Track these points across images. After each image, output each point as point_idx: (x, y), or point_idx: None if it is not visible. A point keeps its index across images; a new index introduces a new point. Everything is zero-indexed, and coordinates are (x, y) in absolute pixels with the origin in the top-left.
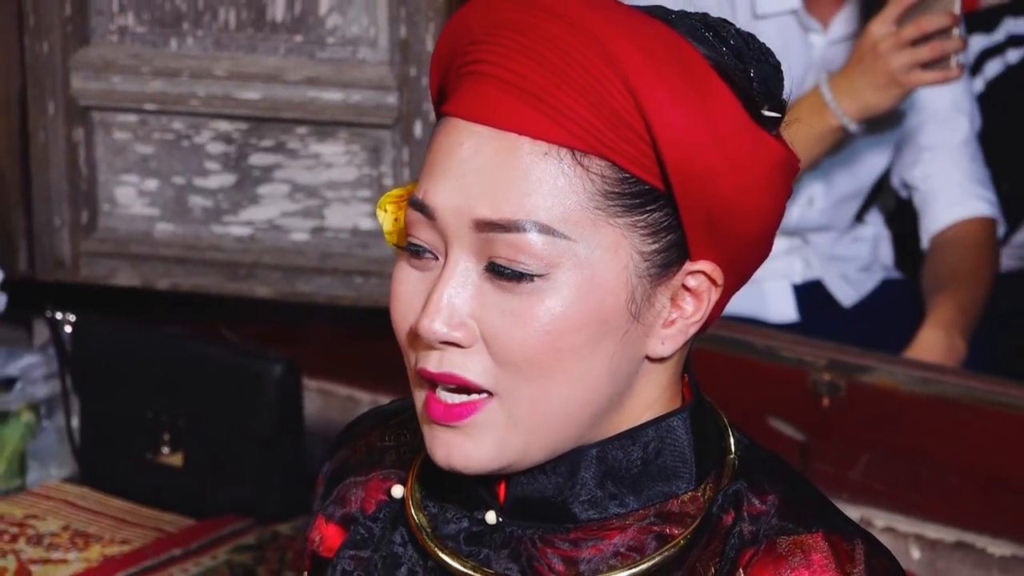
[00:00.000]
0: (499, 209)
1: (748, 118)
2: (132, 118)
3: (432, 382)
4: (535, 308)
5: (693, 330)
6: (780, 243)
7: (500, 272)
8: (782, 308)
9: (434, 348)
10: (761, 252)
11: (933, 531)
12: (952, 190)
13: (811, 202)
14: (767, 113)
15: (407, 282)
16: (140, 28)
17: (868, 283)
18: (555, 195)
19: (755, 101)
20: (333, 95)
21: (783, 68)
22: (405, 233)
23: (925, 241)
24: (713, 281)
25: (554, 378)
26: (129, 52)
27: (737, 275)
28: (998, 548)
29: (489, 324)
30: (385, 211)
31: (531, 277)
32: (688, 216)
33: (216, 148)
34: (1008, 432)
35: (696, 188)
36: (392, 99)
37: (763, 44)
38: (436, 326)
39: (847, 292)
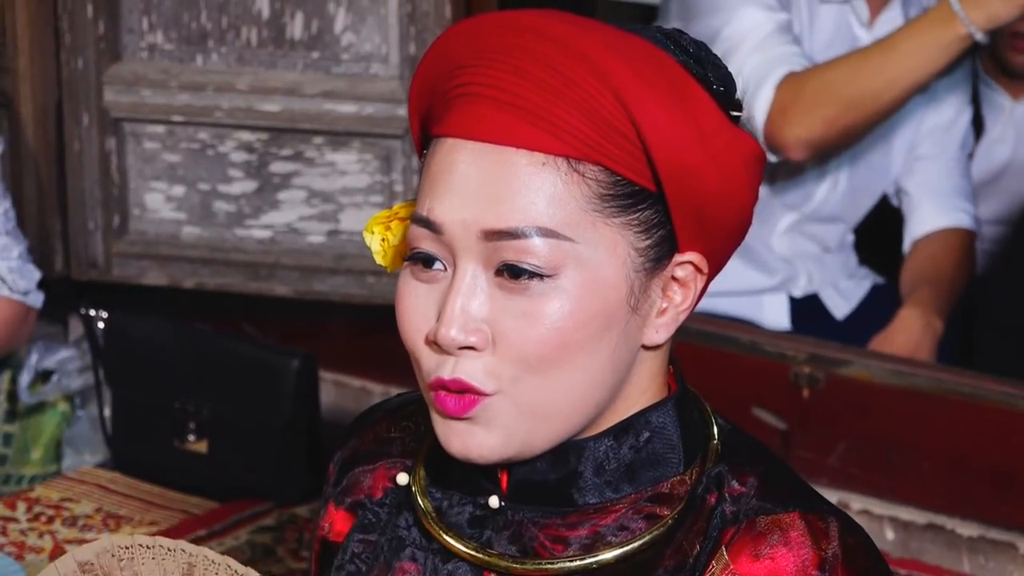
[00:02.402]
0: (505, 219)
1: (724, 116)
2: (161, 129)
3: (444, 387)
4: (545, 307)
5: (683, 317)
6: (788, 249)
7: (513, 273)
8: (777, 318)
9: (449, 354)
10: (738, 239)
11: (906, 513)
12: (939, 200)
13: (836, 184)
14: (732, 113)
15: (415, 295)
16: (168, 45)
17: (858, 291)
18: (555, 201)
19: (721, 101)
20: (347, 107)
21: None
22: (401, 251)
23: (907, 244)
24: (699, 269)
25: (561, 370)
26: (158, 68)
27: (718, 262)
28: (966, 529)
29: (502, 326)
30: (372, 233)
31: (540, 277)
32: (678, 211)
33: (239, 157)
34: (975, 421)
35: (685, 185)
36: (402, 111)
37: (713, 52)
38: (454, 333)
39: (839, 304)
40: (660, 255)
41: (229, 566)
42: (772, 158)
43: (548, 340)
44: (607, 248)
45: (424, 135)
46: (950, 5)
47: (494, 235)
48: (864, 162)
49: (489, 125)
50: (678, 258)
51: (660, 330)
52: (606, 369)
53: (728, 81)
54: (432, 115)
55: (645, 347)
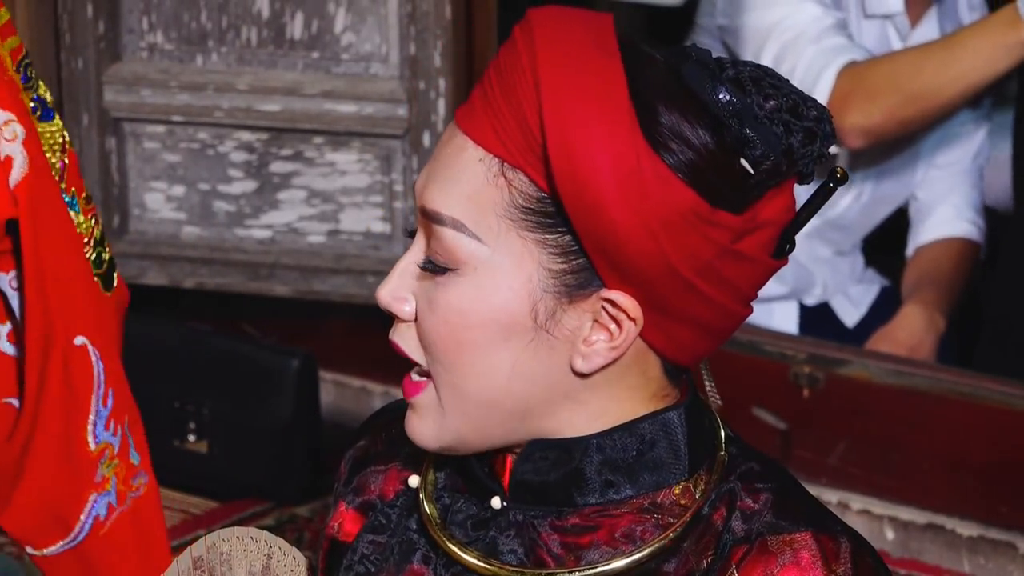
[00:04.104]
0: (432, 199)
1: (657, 163)
2: (161, 129)
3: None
4: (443, 299)
5: (614, 355)
6: (805, 254)
7: (423, 261)
8: (786, 326)
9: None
10: (690, 297)
11: (906, 513)
12: (947, 209)
13: (861, 195)
14: (743, 164)
15: None
16: (168, 45)
17: (868, 297)
18: (476, 197)
19: (722, 155)
20: (347, 107)
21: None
22: None
23: (910, 250)
24: (626, 313)
25: (461, 370)
26: (158, 67)
27: (672, 316)
28: (966, 529)
29: (418, 306)
30: None
31: (443, 270)
32: (585, 242)
33: (239, 157)
34: (975, 420)
35: (585, 218)
36: (402, 111)
37: (811, 105)
38: (382, 293)
39: (850, 312)
40: (581, 283)
41: (295, 557)
42: (833, 149)
43: (438, 330)
44: (513, 259)
45: None
46: (1016, 9)
47: (424, 212)
48: (889, 173)
49: (467, 111)
50: (604, 292)
51: (586, 359)
52: (512, 379)
53: (772, 138)
54: None
55: (580, 373)
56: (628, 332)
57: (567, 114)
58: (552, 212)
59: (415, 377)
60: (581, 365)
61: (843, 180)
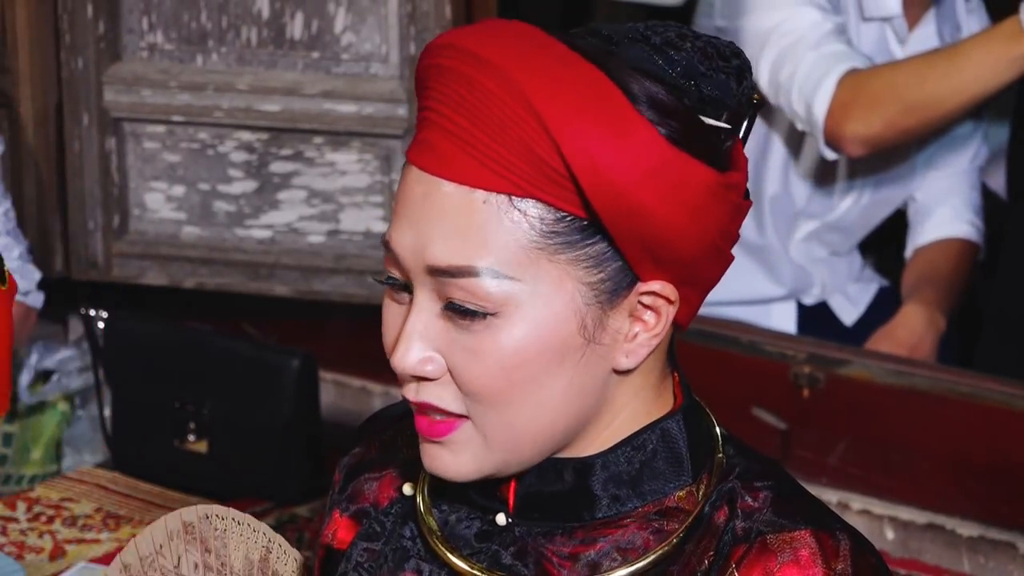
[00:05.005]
0: (447, 256)
1: (674, 150)
2: (161, 129)
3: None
4: (489, 345)
5: (655, 342)
6: (804, 256)
7: (456, 310)
8: (784, 326)
9: (409, 380)
10: (716, 262)
11: (906, 513)
12: (946, 211)
13: (860, 198)
14: (711, 122)
15: (390, 314)
16: (168, 45)
17: (866, 295)
18: (497, 240)
19: (698, 120)
20: (347, 107)
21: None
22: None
23: (909, 251)
24: (666, 299)
25: (515, 406)
26: (158, 67)
27: (697, 286)
28: (966, 529)
29: (452, 360)
30: None
31: (484, 315)
32: (625, 247)
33: (239, 156)
34: (975, 420)
35: (626, 224)
36: (402, 111)
37: (725, 46)
38: (406, 362)
39: (848, 310)
40: (618, 286)
41: (296, 559)
42: (831, 155)
43: (492, 377)
44: (552, 284)
45: None
46: (1019, 21)
47: (436, 271)
48: (888, 176)
49: (438, 156)
50: (641, 287)
51: (630, 355)
52: (563, 400)
53: (726, 87)
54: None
55: (618, 371)
56: (667, 316)
57: (578, 133)
58: (577, 227)
59: (439, 416)
60: (626, 363)
61: (762, 104)
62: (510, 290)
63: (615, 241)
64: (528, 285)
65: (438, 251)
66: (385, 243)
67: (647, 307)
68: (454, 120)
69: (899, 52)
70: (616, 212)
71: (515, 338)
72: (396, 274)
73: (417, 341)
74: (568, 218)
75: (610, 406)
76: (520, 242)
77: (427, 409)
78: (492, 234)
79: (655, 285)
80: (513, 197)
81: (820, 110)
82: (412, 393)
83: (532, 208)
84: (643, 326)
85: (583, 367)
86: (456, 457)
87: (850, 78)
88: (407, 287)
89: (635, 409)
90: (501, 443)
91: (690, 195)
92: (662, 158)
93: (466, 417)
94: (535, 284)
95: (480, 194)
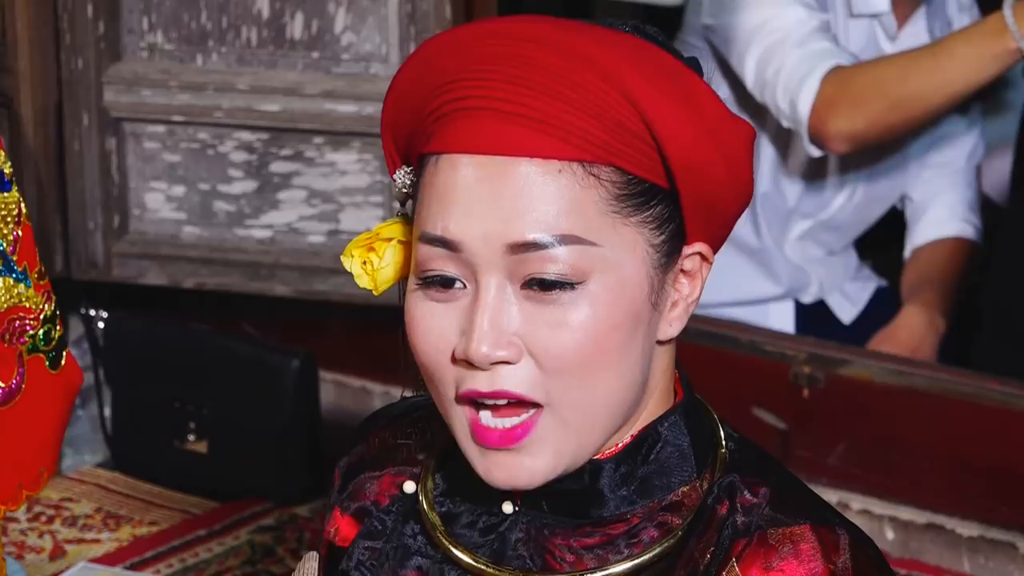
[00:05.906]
0: (528, 231)
1: (723, 105)
2: (161, 129)
3: (476, 406)
4: (578, 315)
5: (692, 308)
6: (799, 255)
7: (540, 285)
8: (782, 325)
9: (482, 370)
10: (734, 223)
11: (906, 513)
12: (942, 209)
13: (853, 195)
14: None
15: (433, 315)
16: (168, 45)
17: (864, 294)
18: (575, 207)
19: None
20: (347, 107)
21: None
22: (397, 273)
23: (908, 251)
24: (705, 259)
25: (599, 376)
26: (158, 67)
27: (717, 248)
28: (966, 529)
29: (536, 337)
30: (352, 257)
31: (571, 286)
32: (689, 205)
33: (239, 156)
34: (975, 421)
35: (696, 178)
36: None
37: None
38: (486, 349)
39: (846, 308)
40: (672, 249)
41: None
42: (815, 152)
43: (585, 347)
44: (628, 248)
45: (406, 154)
46: (1003, 17)
47: (519, 248)
48: (881, 173)
49: (497, 138)
50: (687, 250)
51: (674, 323)
52: (636, 368)
53: (698, 70)
54: (420, 133)
55: (660, 342)
56: (702, 279)
57: (656, 95)
58: (643, 190)
59: (510, 423)
60: (669, 331)
61: (696, 62)
62: (593, 255)
63: (681, 198)
64: (608, 249)
65: (518, 228)
66: (439, 238)
67: (684, 272)
68: (515, 100)
69: (889, 49)
70: (690, 167)
71: (602, 303)
72: (449, 269)
73: (496, 324)
74: (635, 180)
75: (648, 384)
76: (597, 207)
77: (500, 399)
78: (571, 202)
79: (699, 246)
80: (585, 163)
81: (804, 107)
82: (485, 384)
83: (604, 172)
84: (679, 294)
85: (648, 334)
86: (535, 458)
87: (834, 75)
88: (453, 281)
89: (663, 391)
90: (579, 424)
91: (743, 147)
92: (721, 113)
93: (539, 406)
94: (614, 248)
95: (554, 164)
